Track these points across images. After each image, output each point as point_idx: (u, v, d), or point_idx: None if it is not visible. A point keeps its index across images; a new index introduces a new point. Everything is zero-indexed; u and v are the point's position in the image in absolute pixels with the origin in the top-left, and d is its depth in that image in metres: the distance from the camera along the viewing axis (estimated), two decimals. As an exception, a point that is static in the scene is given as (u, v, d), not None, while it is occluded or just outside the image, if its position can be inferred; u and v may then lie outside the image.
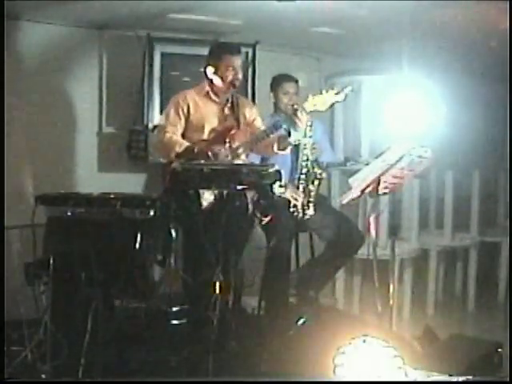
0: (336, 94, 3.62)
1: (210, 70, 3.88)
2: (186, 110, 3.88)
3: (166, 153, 3.85)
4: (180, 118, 3.88)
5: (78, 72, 4.70)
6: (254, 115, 4.07)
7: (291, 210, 4.18)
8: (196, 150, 3.71)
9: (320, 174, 4.22)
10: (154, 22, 4.58)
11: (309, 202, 4.21)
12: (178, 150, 3.74)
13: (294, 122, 3.65)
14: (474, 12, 4.15)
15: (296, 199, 4.17)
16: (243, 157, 3.90)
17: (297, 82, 4.44)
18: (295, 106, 3.68)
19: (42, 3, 4.07)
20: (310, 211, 4.21)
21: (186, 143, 3.79)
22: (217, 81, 3.87)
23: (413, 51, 4.60)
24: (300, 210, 4.19)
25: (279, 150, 3.85)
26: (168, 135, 3.83)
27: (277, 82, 4.45)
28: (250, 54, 4.90)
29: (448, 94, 4.96)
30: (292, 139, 3.78)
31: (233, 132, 3.82)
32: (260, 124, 4.04)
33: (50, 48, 4.58)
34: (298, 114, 3.63)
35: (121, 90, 4.81)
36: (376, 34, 4.78)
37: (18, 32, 4.43)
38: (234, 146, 3.80)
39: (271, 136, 3.77)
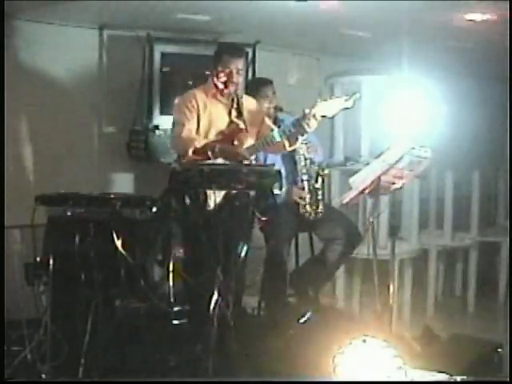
0: (345, 100, 3.58)
1: (211, 71, 3.85)
2: (196, 109, 3.78)
3: (184, 148, 3.71)
4: (193, 116, 3.77)
5: (77, 72, 4.69)
6: (261, 115, 4.00)
7: (301, 211, 4.17)
8: (216, 150, 3.61)
9: (322, 171, 4.21)
10: (153, 22, 4.58)
11: (317, 200, 4.21)
12: (197, 145, 3.66)
13: (303, 127, 3.62)
14: (473, 12, 4.15)
15: (304, 199, 4.16)
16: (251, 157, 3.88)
17: (271, 82, 4.35)
18: (305, 111, 3.59)
19: (42, 3, 4.07)
20: (320, 210, 4.20)
21: (204, 140, 3.71)
22: (216, 82, 3.85)
23: (413, 51, 4.61)
24: (309, 210, 4.18)
25: (290, 146, 3.83)
26: (186, 131, 3.72)
27: (254, 88, 4.33)
28: (250, 54, 4.91)
29: (448, 95, 4.98)
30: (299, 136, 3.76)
31: (241, 134, 3.78)
32: (269, 123, 3.99)
33: (50, 48, 4.58)
34: (308, 119, 3.57)
35: (121, 90, 4.81)
36: (376, 34, 4.78)
37: (18, 32, 4.43)
38: (242, 148, 3.75)
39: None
